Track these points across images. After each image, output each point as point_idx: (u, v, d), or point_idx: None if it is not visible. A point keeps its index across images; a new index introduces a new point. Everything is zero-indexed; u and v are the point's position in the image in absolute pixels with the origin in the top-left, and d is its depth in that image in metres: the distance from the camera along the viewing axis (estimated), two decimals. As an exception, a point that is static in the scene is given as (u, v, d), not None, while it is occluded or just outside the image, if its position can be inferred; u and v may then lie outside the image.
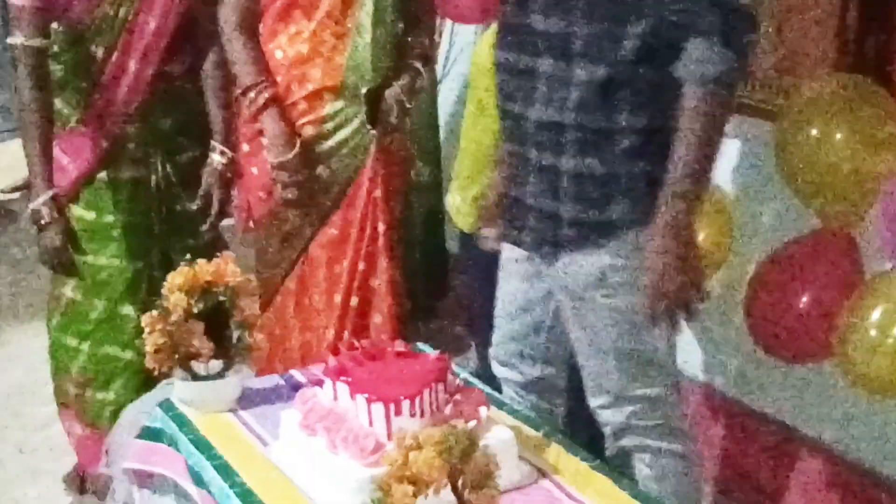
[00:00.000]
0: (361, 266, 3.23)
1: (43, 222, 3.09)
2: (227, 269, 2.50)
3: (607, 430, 2.63)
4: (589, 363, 2.59)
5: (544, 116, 2.48)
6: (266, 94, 3.05)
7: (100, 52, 3.14)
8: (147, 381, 2.97)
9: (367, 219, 3.22)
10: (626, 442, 2.60)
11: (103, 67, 3.15)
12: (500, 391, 2.79)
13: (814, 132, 2.68)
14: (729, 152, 3.11)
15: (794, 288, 2.82)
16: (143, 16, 3.10)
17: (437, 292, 4.52)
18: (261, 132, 3.14)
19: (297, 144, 3.08)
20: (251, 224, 3.32)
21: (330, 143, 3.18)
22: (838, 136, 2.65)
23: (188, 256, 2.57)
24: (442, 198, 4.11)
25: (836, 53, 2.89)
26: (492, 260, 2.84)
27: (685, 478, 2.62)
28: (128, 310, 3.26)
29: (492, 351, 2.87)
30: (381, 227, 3.23)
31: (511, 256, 2.73)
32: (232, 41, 3.09)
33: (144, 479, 2.60)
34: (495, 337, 2.84)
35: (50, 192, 3.07)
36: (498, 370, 2.79)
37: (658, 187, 2.38)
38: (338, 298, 3.25)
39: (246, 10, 3.09)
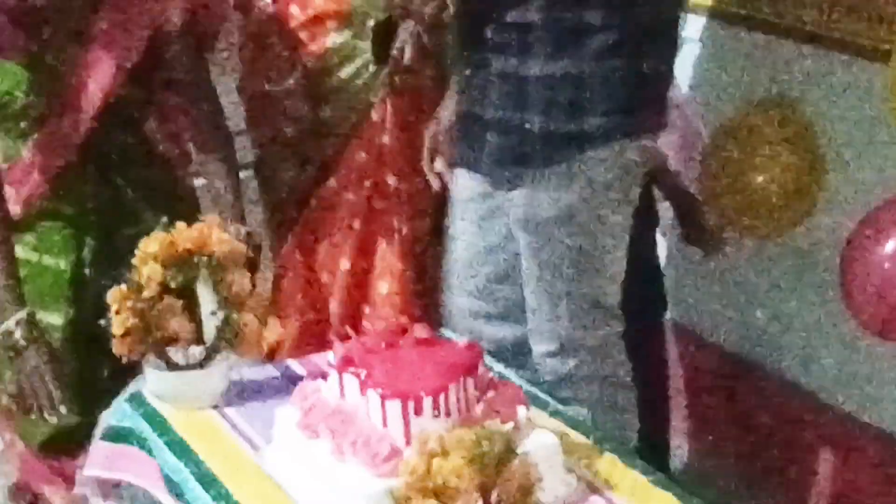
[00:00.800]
0: (357, 224, 3.38)
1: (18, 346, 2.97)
2: (211, 234, 2.51)
3: (547, 379, 2.88)
4: (538, 303, 2.78)
5: (507, 16, 2.57)
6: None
7: None
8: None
9: (372, 169, 3.34)
10: (566, 393, 2.79)
11: None
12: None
13: None
14: (827, 95, 3.20)
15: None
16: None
17: None
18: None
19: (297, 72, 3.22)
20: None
21: (332, 80, 3.30)
22: None
23: None
24: None
25: None
26: None
27: (623, 432, 2.85)
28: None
29: (449, 307, 3.02)
30: (392, 181, 3.35)
31: (464, 197, 2.86)
32: None
33: (109, 489, 2.62)
34: (450, 291, 3.01)
35: (23, 312, 2.97)
36: (455, 330, 2.88)
37: (634, 91, 2.55)
38: (344, 265, 3.39)
39: None
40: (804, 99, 3.26)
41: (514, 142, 2.65)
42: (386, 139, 3.35)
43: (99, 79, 3.08)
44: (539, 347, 2.89)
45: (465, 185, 2.92)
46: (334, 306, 3.45)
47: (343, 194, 3.43)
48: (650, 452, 2.81)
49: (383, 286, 3.43)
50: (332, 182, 3.43)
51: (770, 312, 3.52)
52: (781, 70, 3.32)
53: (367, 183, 3.40)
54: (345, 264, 3.42)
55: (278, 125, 3.44)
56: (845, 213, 3.13)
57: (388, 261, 3.43)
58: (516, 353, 2.90)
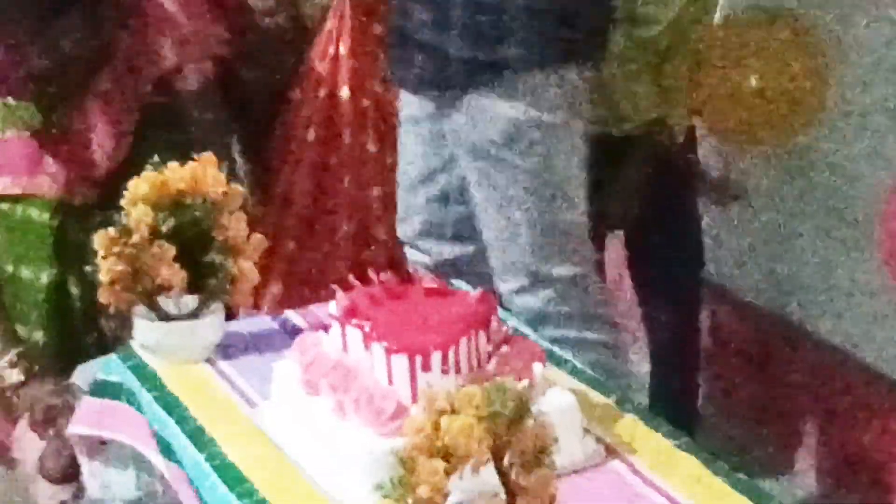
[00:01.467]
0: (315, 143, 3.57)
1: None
2: (205, 175, 2.49)
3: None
4: (499, 237, 2.86)
5: None
6: None
7: None
8: None
9: (327, 81, 3.56)
10: (545, 334, 2.76)
11: None
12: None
13: None
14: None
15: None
16: None
17: None
18: None
19: None
20: None
21: None
22: None
23: None
24: None
25: None
26: None
27: (612, 371, 2.87)
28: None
29: (398, 230, 3.17)
30: (345, 94, 3.52)
31: (410, 115, 3.01)
32: None
33: (96, 448, 2.62)
34: (399, 212, 3.15)
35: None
36: (407, 252, 3.00)
37: (560, 20, 2.68)
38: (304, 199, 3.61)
39: None
40: None
41: (438, 65, 2.76)
42: (343, 49, 3.52)
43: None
44: (506, 286, 2.93)
45: (407, 103, 3.05)
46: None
47: (303, 106, 3.61)
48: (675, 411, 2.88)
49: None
50: (296, 93, 3.61)
51: (798, 266, 3.59)
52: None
53: (322, 93, 3.57)
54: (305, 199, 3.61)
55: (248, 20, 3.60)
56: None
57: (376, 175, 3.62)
58: (469, 272, 2.94)
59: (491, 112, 2.74)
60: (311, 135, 3.60)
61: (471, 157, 2.83)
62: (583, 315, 2.93)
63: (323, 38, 3.56)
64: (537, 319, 2.88)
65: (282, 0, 3.62)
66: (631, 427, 2.34)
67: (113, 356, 2.61)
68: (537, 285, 2.89)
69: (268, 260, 3.56)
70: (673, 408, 2.99)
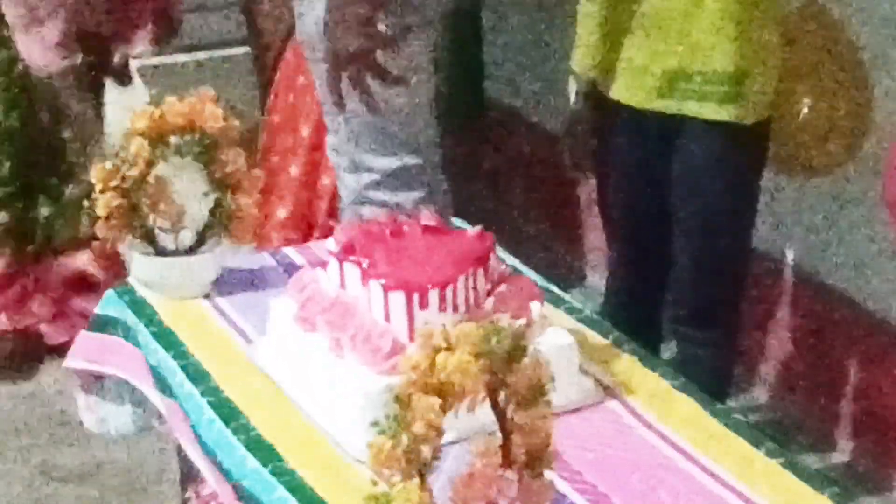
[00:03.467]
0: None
1: None
2: (203, 109, 2.49)
3: (344, 196, 3.15)
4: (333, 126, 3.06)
5: None
6: None
7: None
8: None
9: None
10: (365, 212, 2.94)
11: None
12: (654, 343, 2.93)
13: None
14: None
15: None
16: None
17: (470, 107, 4.59)
18: None
19: None
20: None
21: None
22: None
23: None
24: None
25: None
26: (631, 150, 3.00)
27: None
28: None
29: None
30: None
31: None
32: None
33: (92, 383, 2.63)
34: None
35: None
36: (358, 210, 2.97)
37: None
38: (305, 132, 3.66)
39: None
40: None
41: None
42: None
43: None
44: (338, 161, 3.09)
45: None
46: (328, 181, 3.62)
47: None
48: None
49: None
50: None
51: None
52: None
53: None
54: (304, 132, 3.67)
55: None
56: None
57: None
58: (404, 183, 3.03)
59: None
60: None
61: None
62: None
63: None
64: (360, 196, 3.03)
65: None
66: (628, 367, 2.35)
67: (111, 291, 2.61)
68: (361, 168, 2.99)
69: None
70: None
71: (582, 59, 3.02)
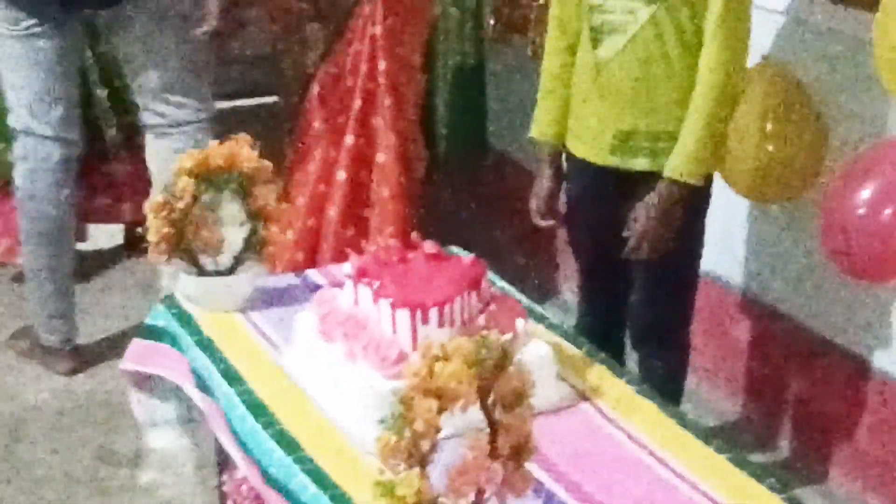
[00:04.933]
0: (358, 104, 3.51)
1: None
2: (241, 152, 2.48)
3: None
4: None
5: None
6: None
7: None
8: None
9: (364, 56, 3.47)
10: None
11: None
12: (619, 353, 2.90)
13: None
14: (820, 47, 3.09)
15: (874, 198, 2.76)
16: None
17: (474, 152, 4.52)
18: None
19: None
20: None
21: None
22: None
23: None
24: (470, 40, 4.24)
25: None
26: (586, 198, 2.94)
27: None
28: None
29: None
30: (382, 65, 3.45)
31: None
32: None
33: (142, 382, 2.62)
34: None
35: None
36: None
37: None
38: (340, 174, 3.56)
39: None
40: (798, 59, 3.16)
41: None
42: (378, 30, 3.46)
43: None
44: None
45: None
46: (333, 212, 3.58)
47: (341, 80, 3.55)
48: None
49: (384, 191, 3.54)
50: (331, 68, 3.55)
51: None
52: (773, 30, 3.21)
53: (363, 69, 3.50)
54: (341, 175, 3.55)
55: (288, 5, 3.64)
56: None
57: (386, 169, 3.54)
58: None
59: None
60: (356, 103, 3.54)
61: None
62: None
63: (359, 21, 3.50)
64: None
65: None
66: (599, 375, 2.34)
67: (159, 305, 2.60)
68: None
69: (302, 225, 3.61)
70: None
71: (544, 125, 2.95)
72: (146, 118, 3.73)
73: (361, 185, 3.56)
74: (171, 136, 3.68)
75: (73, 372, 3.76)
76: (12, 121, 3.63)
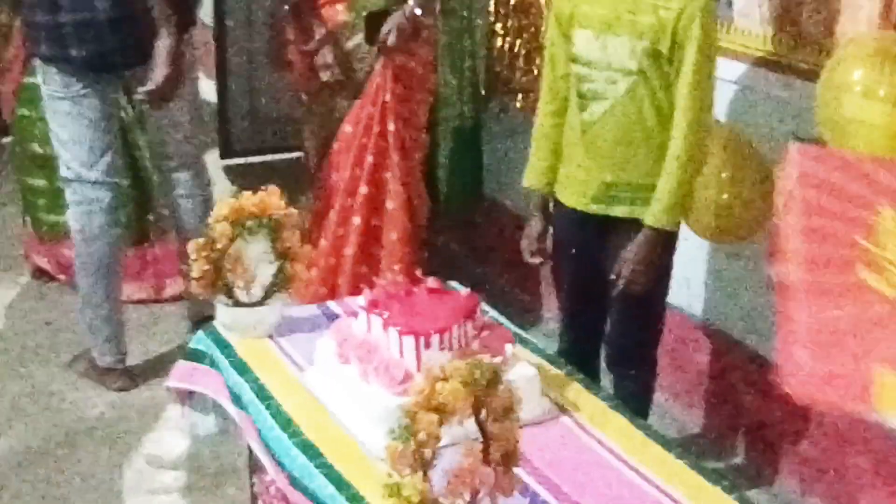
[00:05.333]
0: (370, 159, 3.50)
1: None
2: (271, 201, 2.48)
3: None
4: None
5: None
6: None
7: None
8: None
9: (376, 117, 3.47)
10: None
11: None
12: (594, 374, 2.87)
13: (856, 88, 2.52)
14: (773, 112, 3.08)
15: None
16: None
17: (472, 200, 4.50)
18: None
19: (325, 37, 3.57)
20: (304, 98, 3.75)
21: (347, 46, 3.52)
22: (881, 91, 2.49)
23: None
24: (469, 104, 4.22)
25: (880, 12, 2.74)
26: (571, 242, 2.92)
27: None
28: None
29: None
30: (391, 126, 3.46)
31: None
32: None
33: (186, 398, 2.61)
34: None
35: None
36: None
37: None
38: (355, 220, 3.54)
39: None
40: (749, 121, 3.15)
41: None
42: (388, 97, 3.46)
43: None
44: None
45: None
46: (349, 252, 3.56)
47: (356, 139, 3.53)
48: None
49: (392, 233, 3.55)
50: (348, 128, 3.54)
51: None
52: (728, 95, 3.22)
53: (375, 129, 3.50)
54: (356, 221, 3.54)
55: (312, 77, 3.66)
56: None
57: (394, 216, 3.55)
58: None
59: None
60: (369, 158, 3.54)
61: None
62: None
63: (373, 88, 3.51)
64: None
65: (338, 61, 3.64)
66: (577, 392, 2.33)
67: (201, 332, 2.59)
68: None
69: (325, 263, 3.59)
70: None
71: (536, 176, 2.93)
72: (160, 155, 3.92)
73: (374, 229, 3.55)
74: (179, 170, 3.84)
75: (125, 389, 3.75)
76: (64, 171, 3.64)
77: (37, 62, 3.67)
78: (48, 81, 3.57)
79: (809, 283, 1.50)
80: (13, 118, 4.50)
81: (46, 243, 4.42)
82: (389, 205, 3.52)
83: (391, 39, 3.35)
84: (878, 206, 1.59)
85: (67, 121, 3.57)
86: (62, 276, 4.37)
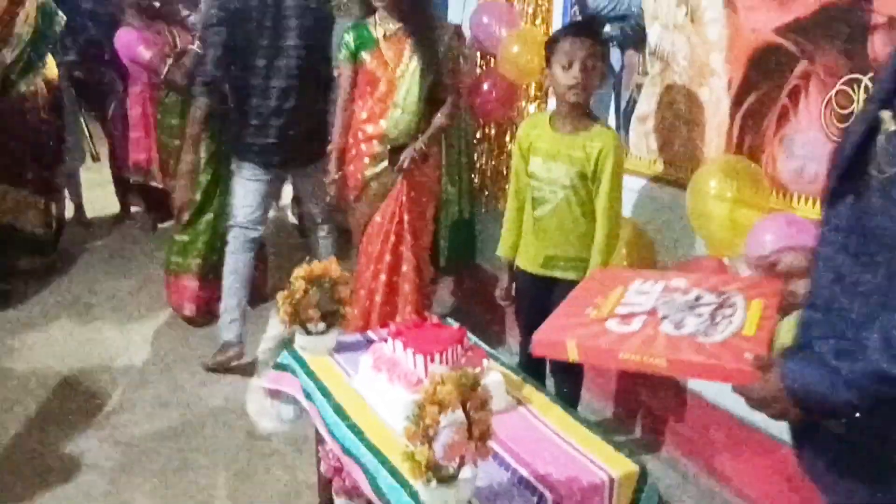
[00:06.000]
0: (392, 239, 3.39)
1: None
2: (331, 267, 2.47)
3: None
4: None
5: None
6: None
7: None
8: None
9: (396, 212, 3.39)
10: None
11: None
12: (541, 379, 2.79)
13: (711, 193, 2.55)
14: (659, 210, 3.06)
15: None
16: None
17: (465, 264, 4.37)
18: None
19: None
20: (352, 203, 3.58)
21: (376, 169, 3.37)
22: (727, 194, 2.52)
23: None
24: (465, 203, 4.16)
25: (726, 143, 2.77)
26: (527, 292, 2.86)
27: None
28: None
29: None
30: (406, 217, 3.38)
31: None
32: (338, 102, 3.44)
33: (275, 394, 2.58)
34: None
35: None
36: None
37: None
38: (382, 277, 3.44)
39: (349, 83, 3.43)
40: (643, 216, 3.12)
41: None
42: (404, 199, 3.39)
43: None
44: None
45: None
46: (378, 299, 3.49)
47: (383, 226, 3.44)
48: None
49: (406, 287, 3.47)
50: (377, 218, 3.45)
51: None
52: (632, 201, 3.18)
53: (395, 220, 3.42)
54: (382, 278, 3.46)
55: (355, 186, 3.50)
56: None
57: (408, 275, 3.46)
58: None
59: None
60: (391, 238, 3.42)
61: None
62: None
63: (394, 194, 3.39)
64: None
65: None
66: (529, 391, 2.32)
67: (286, 352, 2.55)
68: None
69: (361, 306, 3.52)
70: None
71: (505, 249, 2.90)
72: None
73: (394, 284, 3.47)
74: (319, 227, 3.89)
75: (238, 358, 3.66)
76: (231, 219, 3.71)
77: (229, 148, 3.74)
78: (236, 164, 3.69)
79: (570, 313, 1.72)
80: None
81: (174, 280, 4.16)
82: (404, 268, 3.46)
83: (406, 165, 3.29)
84: (617, 288, 1.77)
85: (244, 190, 3.65)
86: (188, 305, 4.16)
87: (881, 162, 1.26)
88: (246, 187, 3.62)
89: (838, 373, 1.26)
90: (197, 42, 3.89)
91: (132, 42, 4.49)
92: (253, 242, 3.70)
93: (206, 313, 4.11)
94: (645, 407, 3.29)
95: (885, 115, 1.27)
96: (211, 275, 4.03)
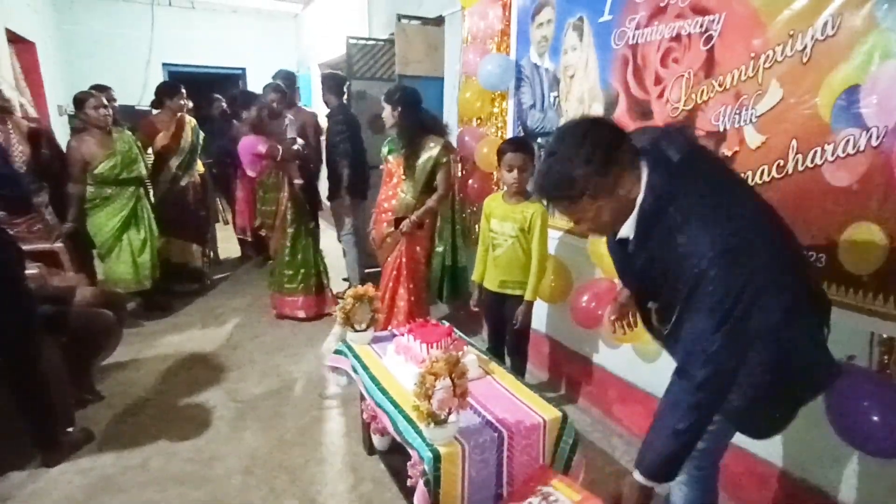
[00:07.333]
0: (394, 273, 3.23)
1: None
2: (369, 290, 2.45)
3: None
4: None
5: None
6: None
7: None
8: None
9: (399, 260, 3.23)
10: None
11: None
12: (501, 358, 2.64)
13: (603, 240, 2.46)
14: (572, 251, 3.00)
15: (589, 301, 2.69)
16: None
17: (457, 294, 4.06)
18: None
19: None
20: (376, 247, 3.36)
21: (390, 230, 3.23)
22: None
23: None
24: (453, 245, 3.90)
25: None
26: (490, 303, 2.68)
27: None
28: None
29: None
30: (404, 261, 3.22)
31: None
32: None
33: (335, 370, 2.53)
34: None
35: None
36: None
37: None
38: (387, 298, 3.28)
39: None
40: (563, 255, 3.03)
41: None
42: (404, 249, 3.23)
43: None
44: None
45: None
46: (397, 313, 3.30)
47: (391, 269, 3.28)
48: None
49: (401, 303, 3.30)
50: (389, 260, 3.28)
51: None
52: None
53: (398, 263, 3.26)
54: (387, 298, 3.29)
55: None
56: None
57: (403, 296, 3.31)
58: None
59: None
60: (393, 273, 3.23)
61: None
62: None
63: (396, 246, 3.23)
64: None
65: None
66: (493, 366, 2.27)
67: (341, 343, 2.49)
68: None
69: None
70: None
71: (477, 275, 2.86)
72: None
73: (393, 302, 3.30)
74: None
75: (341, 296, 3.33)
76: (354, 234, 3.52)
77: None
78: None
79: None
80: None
81: (276, 296, 3.89)
82: (401, 291, 3.29)
83: (405, 228, 3.18)
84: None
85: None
86: (286, 311, 4.00)
87: None
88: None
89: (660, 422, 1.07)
90: (299, 140, 3.90)
91: (254, 142, 4.57)
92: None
93: (315, 316, 3.85)
94: (567, 374, 3.22)
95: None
96: (314, 289, 3.79)
